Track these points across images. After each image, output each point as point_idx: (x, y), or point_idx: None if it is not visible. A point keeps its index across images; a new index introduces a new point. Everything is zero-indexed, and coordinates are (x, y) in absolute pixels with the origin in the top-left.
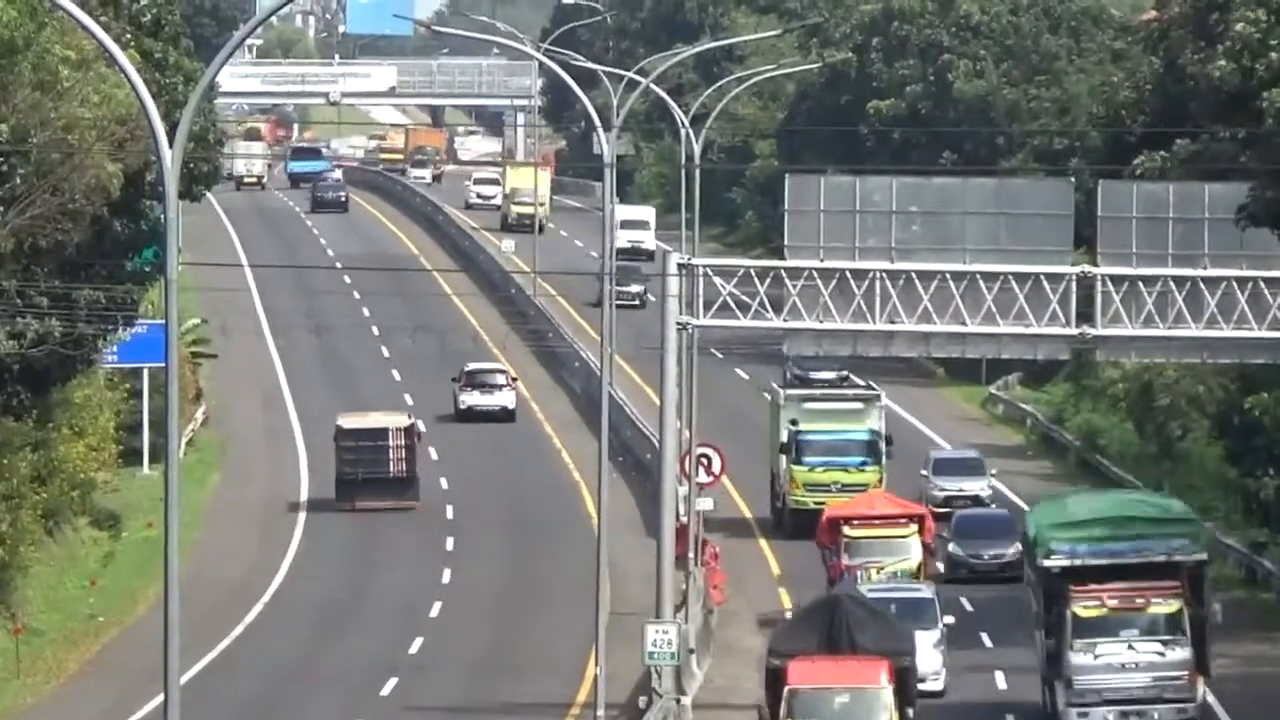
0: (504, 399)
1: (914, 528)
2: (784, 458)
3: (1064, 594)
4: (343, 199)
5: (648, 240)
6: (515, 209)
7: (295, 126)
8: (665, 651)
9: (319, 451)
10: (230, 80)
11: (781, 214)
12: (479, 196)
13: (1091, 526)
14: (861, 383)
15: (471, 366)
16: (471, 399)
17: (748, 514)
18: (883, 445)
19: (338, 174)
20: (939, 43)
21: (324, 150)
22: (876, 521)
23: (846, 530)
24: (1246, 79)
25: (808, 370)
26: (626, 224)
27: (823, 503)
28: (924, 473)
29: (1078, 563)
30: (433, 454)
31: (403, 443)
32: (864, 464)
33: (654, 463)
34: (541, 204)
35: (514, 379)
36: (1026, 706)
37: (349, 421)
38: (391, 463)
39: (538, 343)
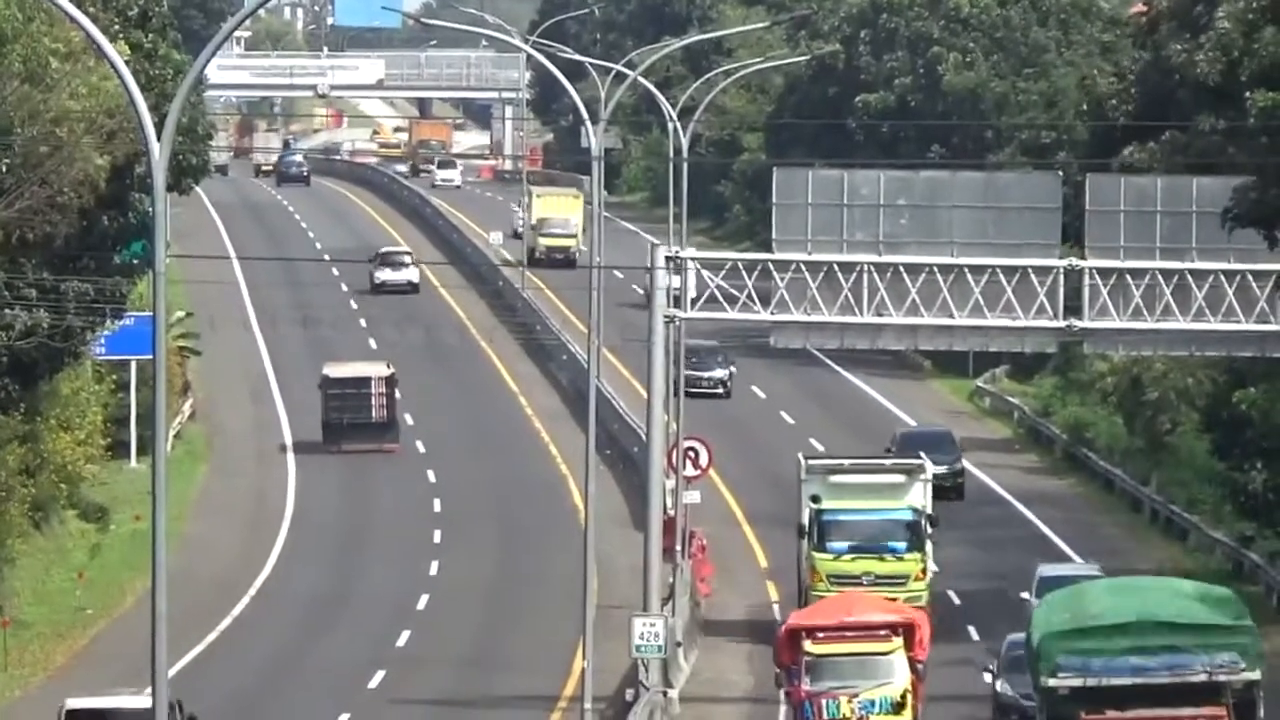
0: (409, 275)
1: (898, 641)
2: (804, 542)
3: None
4: (305, 174)
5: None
6: (545, 241)
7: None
8: (652, 644)
9: (306, 445)
10: (218, 73)
11: (769, 207)
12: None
13: (1111, 635)
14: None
15: (384, 249)
16: (383, 275)
17: (735, 506)
18: (926, 527)
19: (300, 156)
20: (928, 35)
21: (291, 142)
22: (849, 634)
23: (808, 645)
24: (1231, 75)
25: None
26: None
27: None
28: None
29: (1092, 683)
30: (420, 448)
31: (384, 390)
32: (903, 550)
33: (641, 456)
34: (574, 235)
35: (416, 260)
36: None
37: (334, 370)
38: (374, 408)
39: (525, 336)
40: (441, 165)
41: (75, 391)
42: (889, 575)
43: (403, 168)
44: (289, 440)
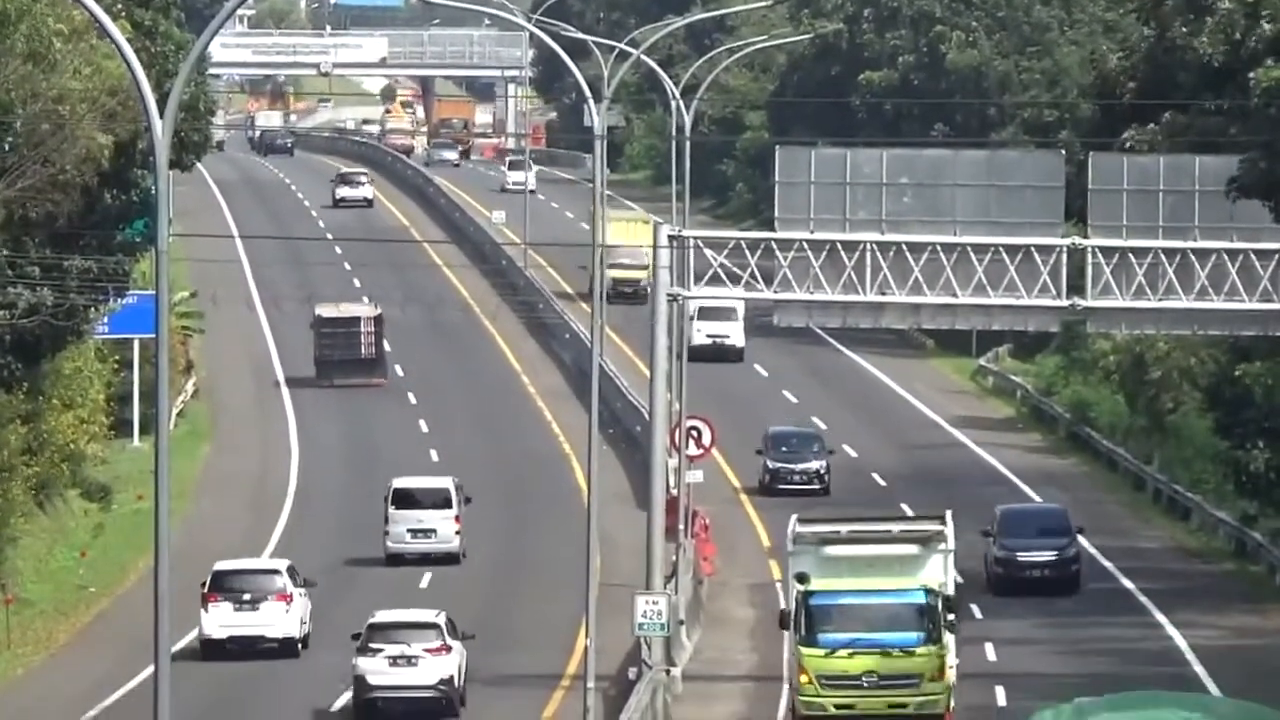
0: (365, 192)
1: None
2: (789, 635)
3: None
4: (289, 145)
5: (734, 334)
6: (613, 273)
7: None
8: (655, 623)
9: (309, 423)
10: (221, 51)
11: (772, 185)
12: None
13: None
14: (910, 514)
15: (344, 170)
16: (343, 191)
17: (738, 485)
18: (943, 613)
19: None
20: (931, 13)
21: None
22: None
23: None
24: (1234, 54)
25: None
26: (706, 312)
27: (849, 705)
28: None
29: None
30: (423, 427)
31: (372, 329)
32: (914, 643)
33: (644, 435)
34: (645, 266)
35: (371, 179)
36: (1017, 679)
37: (326, 311)
38: (363, 346)
39: (528, 314)
40: (513, 167)
41: (78, 370)
42: (897, 675)
43: (451, 154)
44: (292, 418)
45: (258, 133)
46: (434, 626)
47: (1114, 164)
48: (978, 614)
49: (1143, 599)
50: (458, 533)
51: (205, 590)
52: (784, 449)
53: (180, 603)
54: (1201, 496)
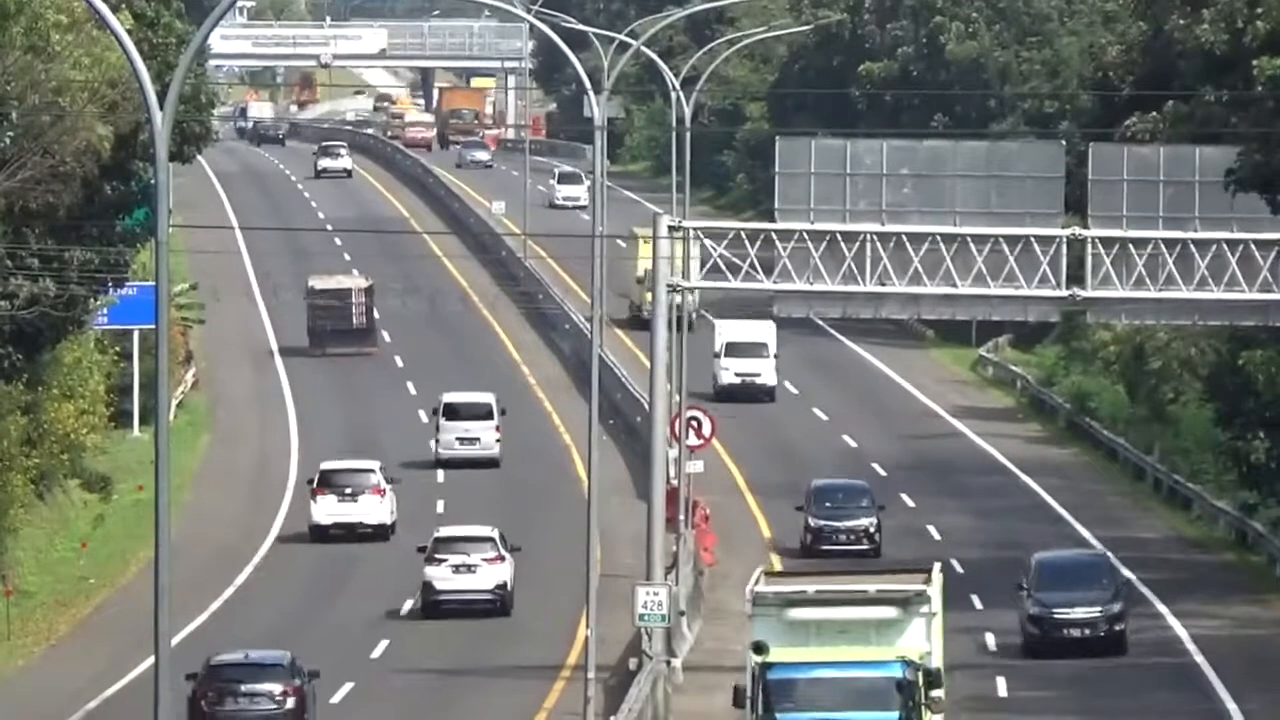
0: (344, 163)
1: None
2: (745, 715)
3: None
4: (280, 135)
5: (766, 373)
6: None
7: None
8: (656, 614)
9: (308, 414)
10: (221, 42)
11: (772, 176)
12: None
13: None
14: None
15: (324, 142)
16: (324, 163)
17: (738, 476)
18: (923, 689)
19: (271, 116)
20: (931, 4)
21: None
22: None
23: None
24: (1235, 43)
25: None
26: (734, 348)
27: None
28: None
29: None
30: (422, 417)
31: (363, 300)
32: None
33: (644, 425)
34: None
35: (349, 151)
36: (1017, 669)
37: (319, 282)
38: (354, 316)
39: (527, 305)
40: (564, 180)
41: (78, 361)
42: None
43: (485, 154)
44: (292, 410)
45: (250, 123)
46: (490, 540)
47: (1114, 154)
48: (978, 604)
49: (1143, 589)
50: (497, 440)
51: (314, 486)
52: (828, 504)
53: (180, 594)
54: (1202, 487)
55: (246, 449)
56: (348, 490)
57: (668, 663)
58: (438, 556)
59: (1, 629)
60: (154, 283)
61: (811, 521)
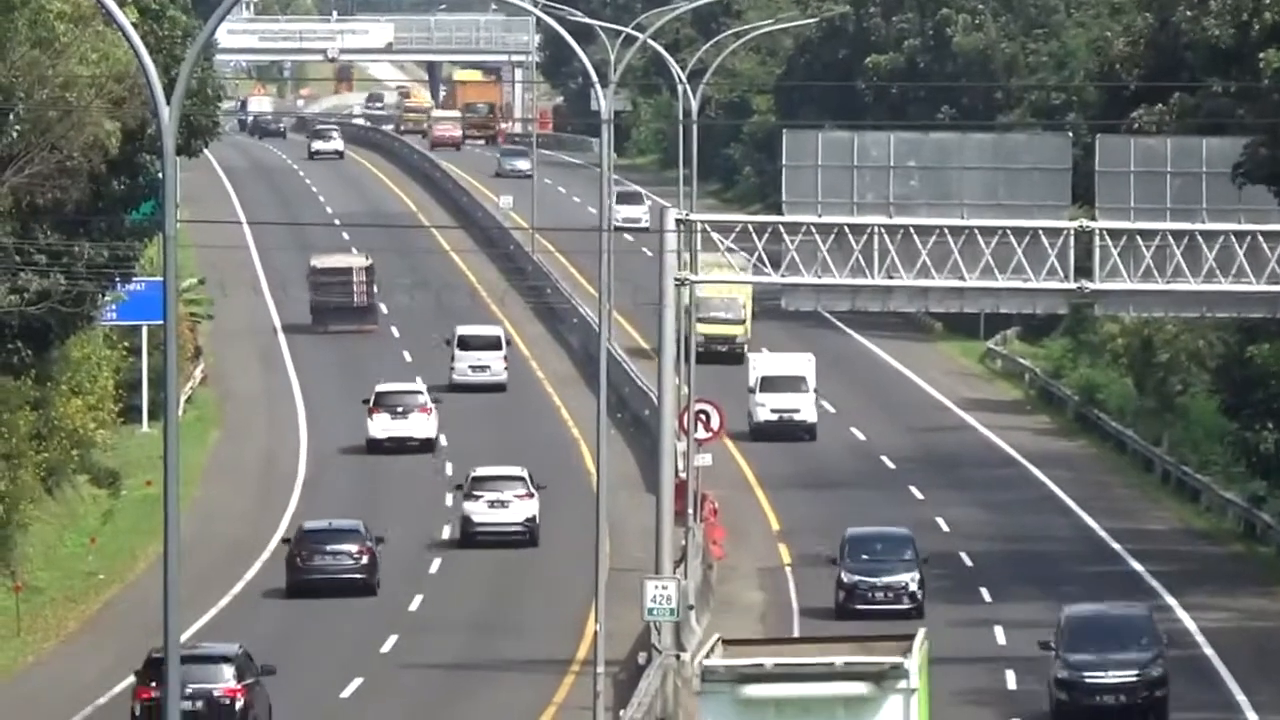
0: (336, 145)
1: None
2: None
3: None
4: (281, 129)
5: (805, 408)
6: (704, 328)
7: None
8: (665, 607)
9: (319, 410)
10: (227, 37)
11: (779, 169)
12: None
13: None
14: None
15: (318, 126)
16: (317, 145)
17: (747, 469)
18: None
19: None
20: None
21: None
22: None
23: None
24: (1242, 35)
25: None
26: (769, 383)
27: None
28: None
29: None
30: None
31: (364, 279)
32: None
33: (653, 419)
34: (742, 321)
35: (340, 133)
36: (1024, 661)
37: (321, 261)
38: (355, 294)
39: (536, 299)
40: (623, 200)
41: (86, 356)
42: None
43: (524, 163)
44: (301, 404)
45: (249, 117)
46: (520, 479)
47: (1121, 146)
48: (987, 597)
49: (1152, 581)
50: (505, 368)
51: (370, 405)
52: (865, 556)
53: (190, 590)
54: (1210, 478)
55: (255, 444)
56: (399, 409)
57: (677, 657)
58: (475, 493)
59: (12, 625)
60: (162, 278)
61: (845, 577)
